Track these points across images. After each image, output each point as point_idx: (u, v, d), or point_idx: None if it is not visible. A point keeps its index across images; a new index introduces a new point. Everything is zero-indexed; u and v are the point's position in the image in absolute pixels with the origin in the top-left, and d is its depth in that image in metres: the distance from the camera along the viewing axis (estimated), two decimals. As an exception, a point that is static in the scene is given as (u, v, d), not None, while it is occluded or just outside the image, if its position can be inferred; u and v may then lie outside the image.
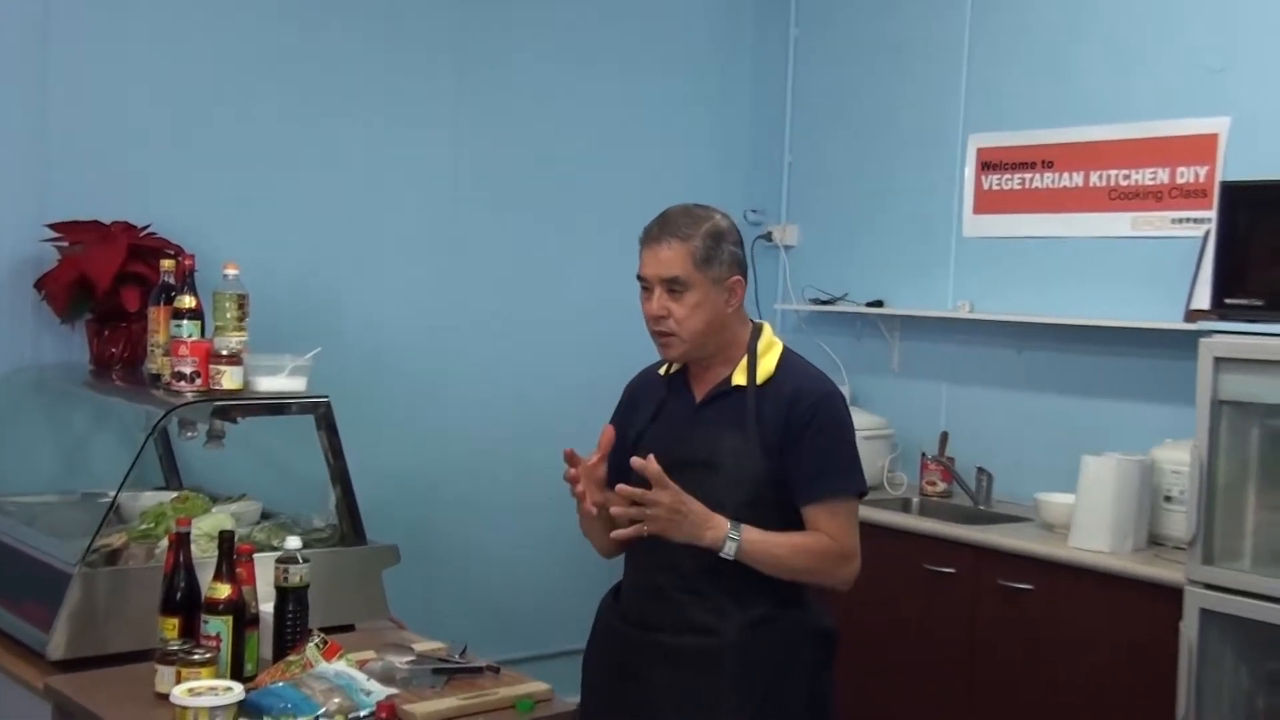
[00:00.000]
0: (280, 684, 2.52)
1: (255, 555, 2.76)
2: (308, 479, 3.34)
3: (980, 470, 4.55)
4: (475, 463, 4.70)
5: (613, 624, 2.71)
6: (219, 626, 2.63)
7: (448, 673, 2.73)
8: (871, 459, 4.73)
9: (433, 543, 4.50)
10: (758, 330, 2.68)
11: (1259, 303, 3.45)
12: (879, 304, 5.02)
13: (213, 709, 2.32)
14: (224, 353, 3.05)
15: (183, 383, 3.04)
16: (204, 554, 2.86)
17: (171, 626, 2.66)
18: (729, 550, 2.46)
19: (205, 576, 2.68)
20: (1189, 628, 3.44)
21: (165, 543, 2.87)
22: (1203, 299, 3.78)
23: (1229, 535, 3.47)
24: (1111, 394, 4.35)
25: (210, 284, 3.16)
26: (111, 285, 3.56)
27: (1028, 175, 4.60)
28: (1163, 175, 4.22)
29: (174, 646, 2.59)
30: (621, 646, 2.66)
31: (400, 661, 2.74)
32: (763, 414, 2.57)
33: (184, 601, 2.68)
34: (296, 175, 4.30)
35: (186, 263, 3.21)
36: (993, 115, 4.72)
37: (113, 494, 3.10)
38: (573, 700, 2.75)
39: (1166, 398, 4.12)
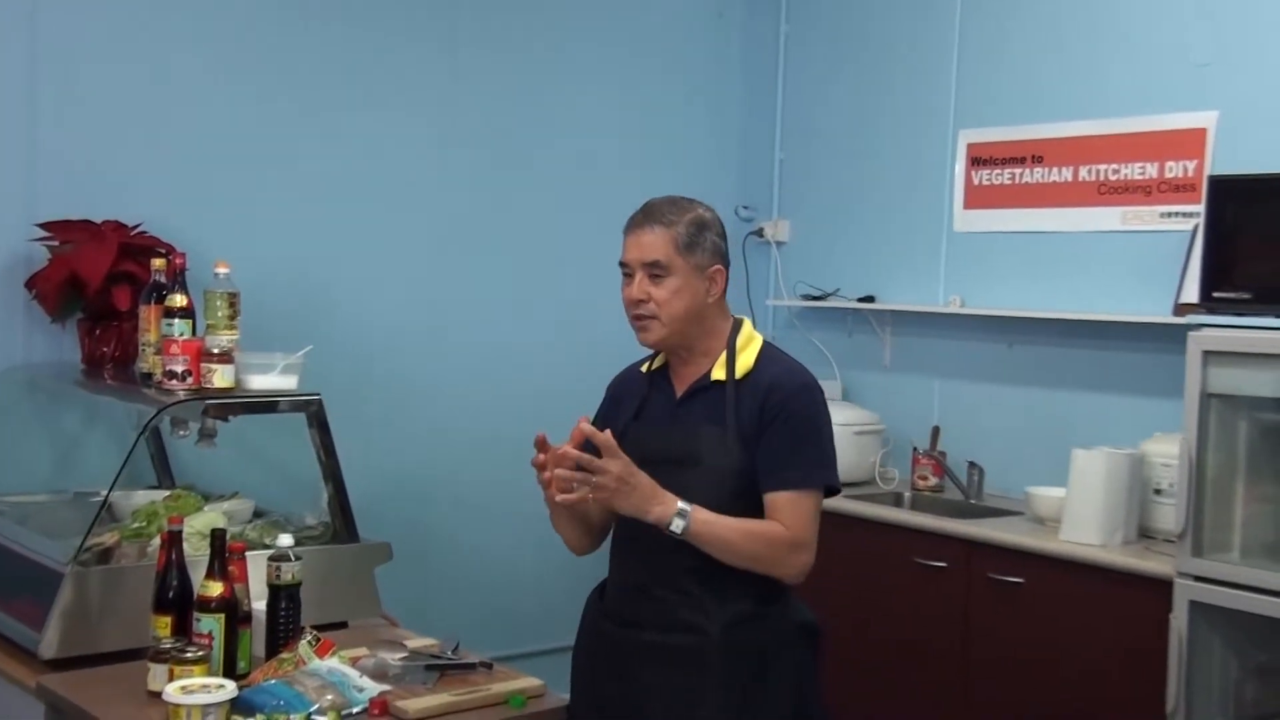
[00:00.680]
0: (273, 681, 2.52)
1: (248, 553, 2.77)
2: (300, 477, 3.34)
3: (972, 464, 4.57)
4: (468, 459, 4.70)
5: (598, 623, 2.71)
6: (211, 624, 2.63)
7: (440, 669, 2.73)
8: (863, 454, 4.76)
9: (425, 539, 4.51)
10: (738, 325, 2.68)
11: (1247, 296, 3.46)
12: (870, 299, 5.03)
13: (205, 707, 2.33)
14: (215, 351, 3.05)
15: (174, 381, 3.04)
16: (196, 552, 2.86)
17: (164, 625, 2.67)
18: (676, 526, 2.44)
19: (198, 575, 2.68)
20: (1179, 620, 3.45)
21: (157, 541, 2.87)
22: (1192, 293, 3.79)
23: (1218, 528, 3.48)
24: (1102, 388, 4.37)
25: (201, 282, 3.16)
26: (102, 284, 3.55)
27: (1017, 170, 4.62)
28: (1151, 170, 4.24)
29: (166, 645, 2.59)
30: (608, 645, 2.67)
31: (393, 658, 2.74)
32: (741, 408, 2.57)
33: (176, 600, 2.68)
34: (287, 173, 4.30)
35: (177, 261, 3.20)
36: (982, 111, 4.73)
37: (105, 493, 3.10)
38: (565, 696, 2.76)
39: (1156, 391, 4.14)
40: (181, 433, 3.29)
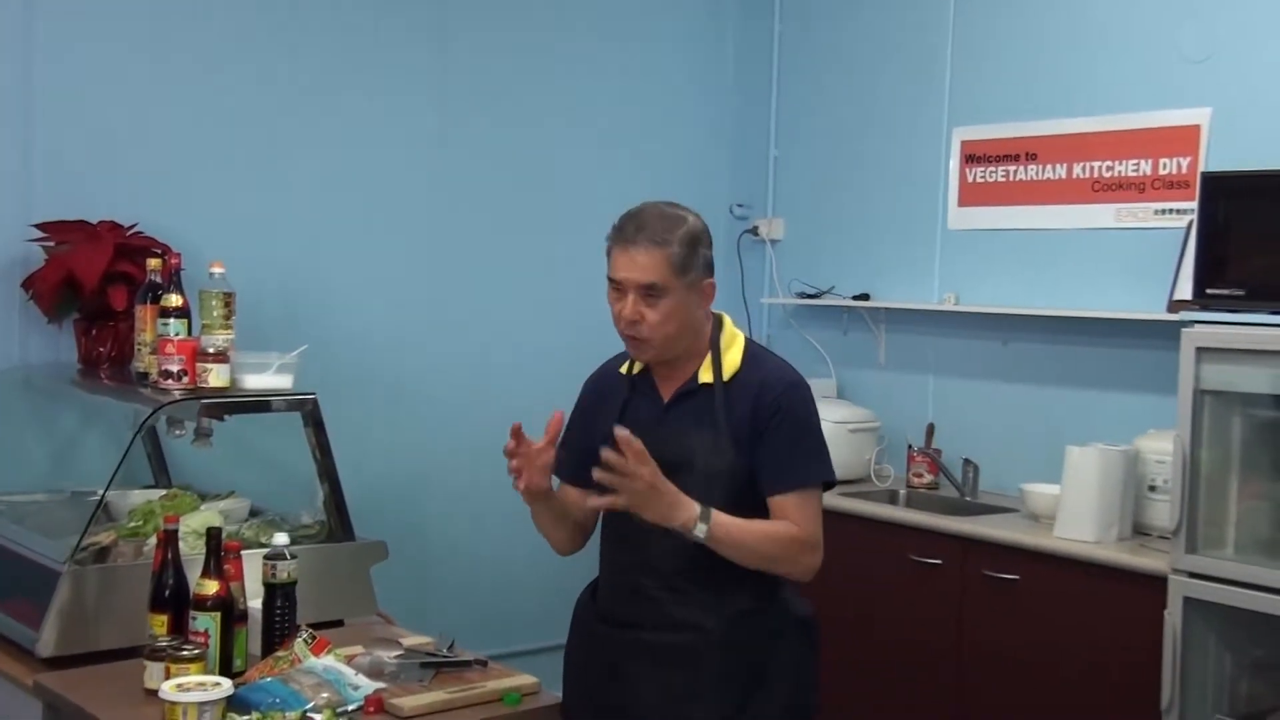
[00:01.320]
0: (269, 679, 2.53)
1: (244, 552, 2.77)
2: (296, 476, 3.35)
3: (966, 462, 4.57)
4: (463, 458, 4.70)
5: (591, 624, 2.71)
6: (207, 623, 2.64)
7: (435, 666, 2.74)
8: (858, 451, 4.77)
9: (421, 538, 4.52)
10: (718, 323, 2.66)
11: (1240, 292, 3.47)
12: (865, 297, 5.03)
13: (201, 704, 2.34)
14: (211, 351, 3.06)
15: (170, 381, 3.04)
16: (192, 551, 2.87)
17: (160, 623, 2.68)
18: (700, 532, 2.44)
19: (194, 573, 2.69)
20: (1173, 616, 3.46)
21: (154, 540, 2.88)
22: (1185, 289, 3.79)
23: (1212, 524, 3.49)
24: (1096, 385, 4.38)
25: (197, 282, 3.17)
26: (99, 284, 3.56)
27: (1011, 168, 4.62)
28: (1145, 167, 4.24)
29: (163, 643, 2.60)
30: (602, 645, 2.67)
31: (388, 656, 2.75)
32: (731, 409, 2.57)
33: (173, 598, 2.69)
34: (283, 174, 4.30)
35: (173, 261, 3.22)
36: (976, 108, 4.74)
37: (101, 492, 3.10)
38: (559, 694, 2.76)
39: (1150, 388, 4.14)
40: (178, 432, 3.30)
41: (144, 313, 3.23)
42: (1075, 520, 3.84)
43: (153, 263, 3.27)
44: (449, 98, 4.70)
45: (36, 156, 3.83)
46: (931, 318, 4.87)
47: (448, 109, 4.70)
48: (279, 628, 2.75)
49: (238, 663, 2.69)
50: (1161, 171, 4.20)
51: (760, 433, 2.55)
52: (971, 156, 4.75)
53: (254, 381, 3.14)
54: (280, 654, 2.64)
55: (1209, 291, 3.53)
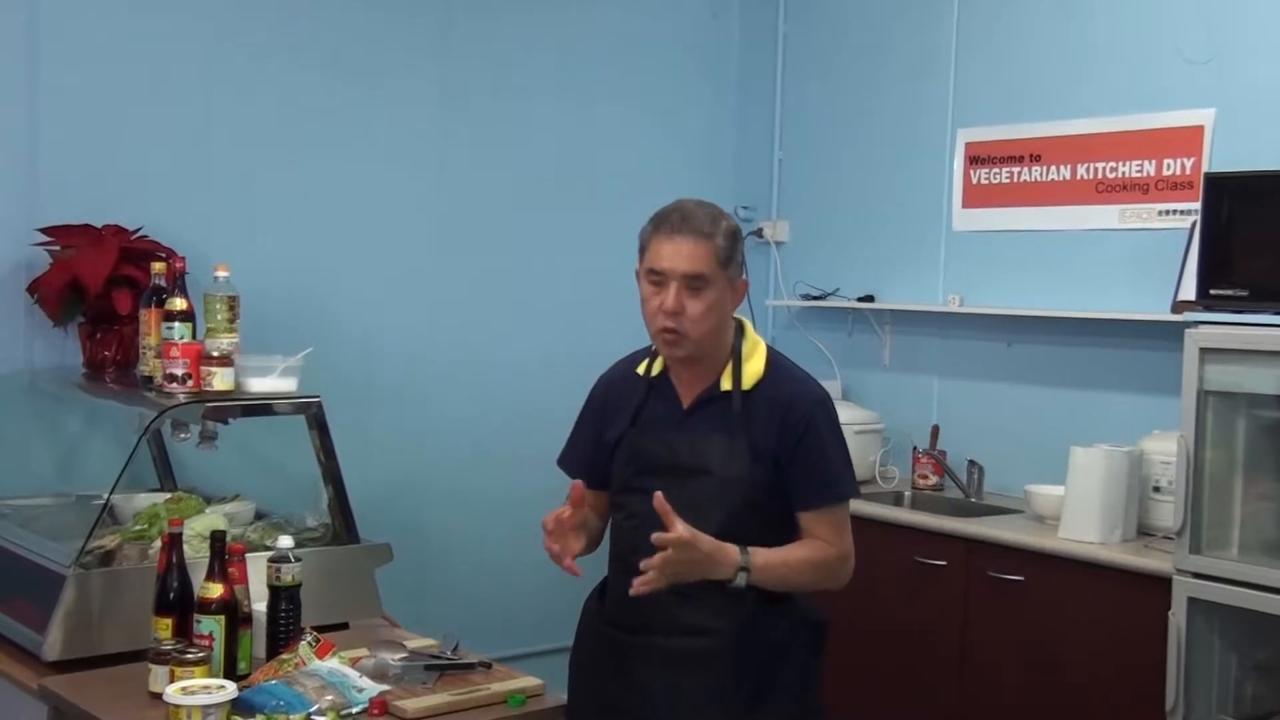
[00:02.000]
0: (273, 682, 2.54)
1: (248, 555, 2.79)
2: (300, 479, 3.35)
3: (971, 463, 4.57)
4: (467, 461, 4.71)
5: (600, 627, 2.71)
6: (212, 626, 2.64)
7: (440, 669, 2.74)
8: (863, 453, 4.76)
9: (425, 540, 4.52)
10: (740, 329, 2.64)
11: (1244, 293, 3.46)
12: (870, 299, 5.03)
13: (206, 707, 2.34)
14: (215, 354, 3.06)
15: (174, 384, 3.05)
16: (197, 554, 2.88)
17: (165, 626, 2.68)
18: (740, 581, 2.44)
19: (198, 577, 2.69)
20: (1177, 616, 3.46)
21: (158, 543, 2.88)
22: (1189, 290, 3.79)
23: (1216, 525, 3.49)
24: (1100, 386, 4.38)
25: (201, 286, 3.18)
26: (103, 288, 3.57)
27: (1016, 169, 4.62)
28: (1149, 168, 4.24)
29: (167, 646, 2.61)
30: (610, 649, 2.66)
31: (393, 658, 2.75)
32: (752, 420, 2.55)
33: (177, 601, 2.69)
34: (287, 177, 4.31)
35: (177, 265, 3.22)
36: (980, 109, 4.73)
37: (106, 495, 3.11)
38: (564, 696, 2.76)
39: (1154, 389, 4.14)
40: (182, 435, 3.30)
41: (149, 316, 3.23)
42: (1080, 521, 3.84)
43: (157, 266, 3.27)
44: (453, 103, 4.70)
45: (41, 161, 3.84)
46: (936, 319, 4.87)
47: (451, 114, 4.70)
48: (283, 631, 2.76)
49: (242, 666, 2.70)
50: (1165, 172, 4.20)
51: (791, 450, 2.54)
52: (976, 158, 4.75)
53: (258, 385, 3.14)
54: (285, 657, 2.64)
55: (1213, 292, 3.53)
